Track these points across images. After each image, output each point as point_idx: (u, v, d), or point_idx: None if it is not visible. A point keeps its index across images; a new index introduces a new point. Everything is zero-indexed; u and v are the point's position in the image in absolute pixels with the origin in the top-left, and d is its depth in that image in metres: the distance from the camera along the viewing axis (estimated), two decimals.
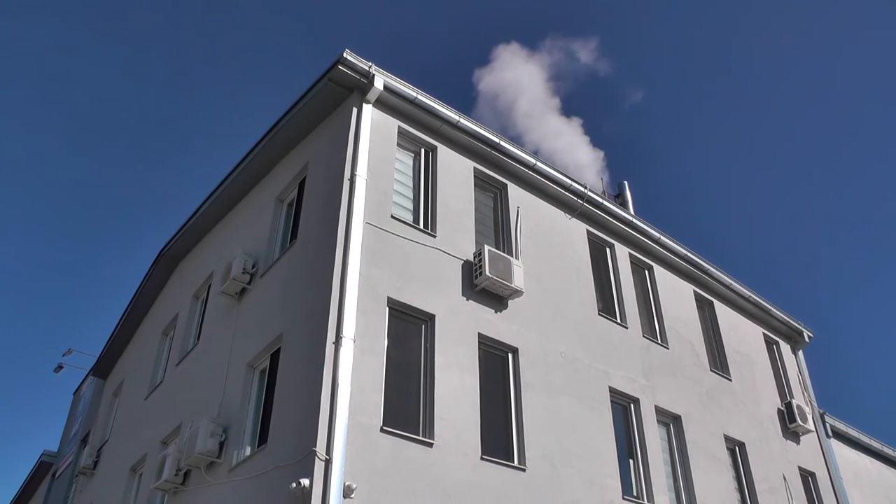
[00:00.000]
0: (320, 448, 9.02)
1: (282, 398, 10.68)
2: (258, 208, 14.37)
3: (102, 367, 22.48)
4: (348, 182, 11.26)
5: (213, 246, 16.27)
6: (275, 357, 11.53)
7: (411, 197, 12.59)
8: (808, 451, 18.18)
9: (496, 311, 12.15)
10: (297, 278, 11.64)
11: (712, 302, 17.88)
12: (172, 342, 16.86)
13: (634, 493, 12.93)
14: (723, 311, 18.04)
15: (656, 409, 14.18)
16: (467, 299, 11.85)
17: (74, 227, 69.71)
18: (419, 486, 9.77)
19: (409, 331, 11.10)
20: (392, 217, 11.69)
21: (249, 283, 13.08)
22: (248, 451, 11.22)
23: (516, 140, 13.93)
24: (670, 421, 14.60)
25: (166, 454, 12.69)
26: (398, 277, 11.13)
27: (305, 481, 8.82)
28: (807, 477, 17.79)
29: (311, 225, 12.00)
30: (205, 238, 17.03)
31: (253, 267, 13.10)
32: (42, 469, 27.59)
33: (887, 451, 22.24)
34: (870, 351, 57.53)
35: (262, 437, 10.97)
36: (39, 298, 69.74)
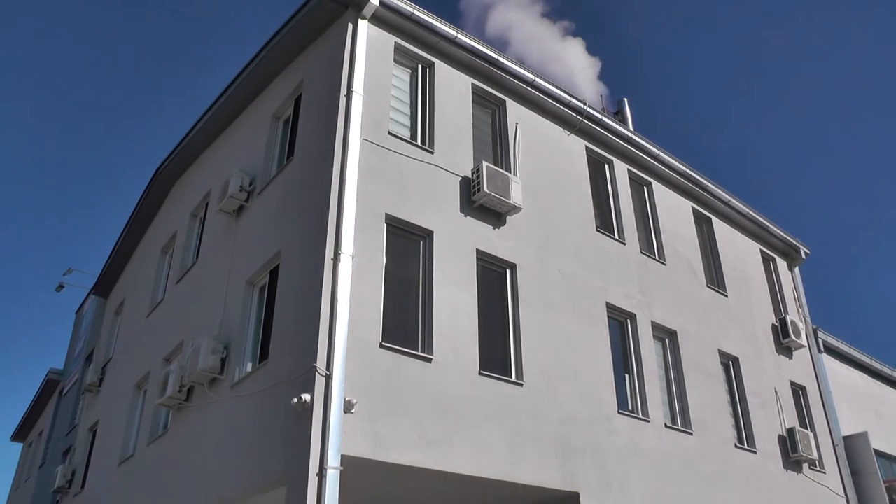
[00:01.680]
0: (320, 364, 9.15)
1: (281, 315, 10.78)
2: (254, 126, 14.22)
3: (103, 287, 22.64)
4: (345, 99, 11.10)
5: (210, 164, 16.17)
6: (274, 274, 11.59)
7: (409, 113, 12.44)
8: (799, 366, 18.48)
9: (494, 228, 12.16)
10: (294, 195, 11.60)
11: (710, 218, 17.88)
12: (172, 260, 16.93)
13: (629, 408, 13.18)
14: (721, 228, 18.06)
15: (652, 325, 14.34)
16: (465, 216, 11.84)
17: (70, 146, 69.22)
18: (418, 400, 9.94)
19: (408, 247, 11.13)
20: (389, 134, 11.57)
21: (247, 200, 13.05)
22: (249, 367, 11.38)
23: (507, 46, 13.63)
24: (666, 336, 14.78)
25: (169, 371, 12.88)
26: (396, 194, 11.09)
27: (306, 396, 8.99)
28: (797, 391, 18.12)
29: (307, 142, 11.90)
30: (201, 156, 16.91)
31: (250, 184, 13.04)
32: (49, 386, 28.13)
33: (876, 365, 22.62)
34: (864, 267, 57.94)
35: (263, 354, 11.12)
36: (38, 219, 69.77)
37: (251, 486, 10.21)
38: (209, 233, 14.79)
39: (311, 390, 9.05)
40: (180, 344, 14.07)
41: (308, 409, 8.96)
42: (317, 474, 8.64)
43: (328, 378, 9.10)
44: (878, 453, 19.67)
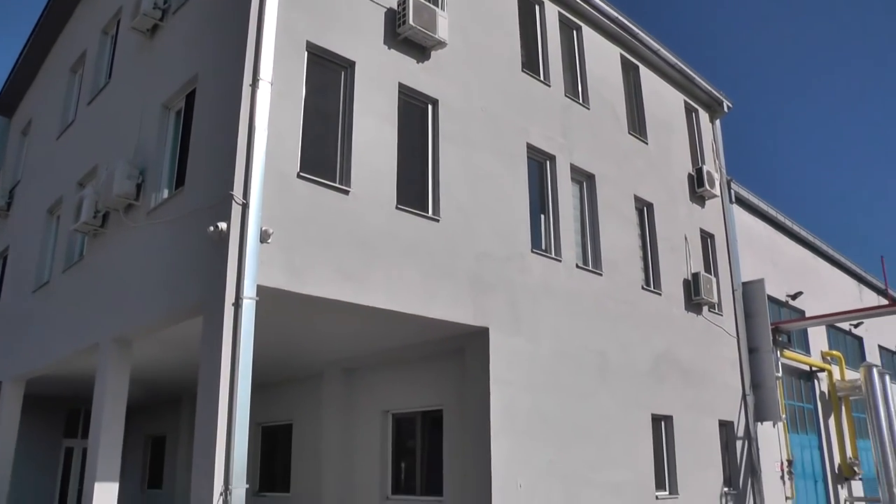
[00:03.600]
0: (237, 192, 9.04)
1: (198, 141, 10.52)
2: None
3: (6, 105, 21.49)
4: None
5: None
6: (190, 98, 11.19)
7: None
8: (710, 215, 19.23)
9: (418, 62, 11.89)
10: (212, 17, 11.04)
11: (637, 66, 17.85)
12: (82, 80, 16.14)
13: (543, 247, 13.57)
14: (647, 76, 18.09)
15: (571, 168, 14.55)
16: (389, 48, 11.50)
17: None
18: (335, 232, 9.99)
19: (328, 77, 10.83)
20: None
21: (161, 19, 12.37)
22: (165, 194, 11.20)
23: None
24: (584, 179, 15.05)
25: (83, 196, 12.57)
26: (318, 21, 10.65)
27: (222, 225, 8.91)
28: (706, 238, 18.95)
29: None
30: None
31: (164, 2, 12.33)
32: None
33: (780, 217, 23.72)
34: (781, 124, 59.47)
35: (180, 180, 10.91)
36: None
37: (168, 315, 10.30)
38: (122, 52, 14.08)
39: (227, 219, 8.96)
40: (94, 168, 13.69)
41: (224, 237, 8.92)
42: (233, 304, 8.71)
43: (245, 207, 9.01)
44: (770, 298, 20.98)
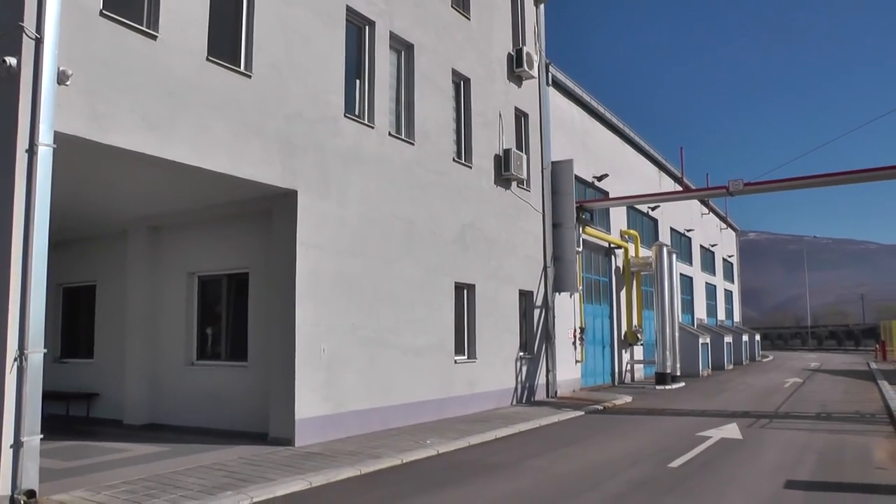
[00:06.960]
0: (29, 24, 8.26)
1: None
2: None
3: None
4: None
5: None
6: None
7: None
8: (526, 95, 19.86)
9: None
10: None
11: None
12: None
13: (356, 113, 13.59)
14: None
15: (391, 35, 14.49)
16: None
17: None
18: (140, 79, 9.50)
19: None
20: None
21: None
22: None
23: None
24: (403, 48, 15.06)
25: None
26: None
27: (12, 60, 8.15)
28: (520, 117, 19.64)
29: None
30: None
31: None
32: None
33: (593, 103, 24.91)
34: (606, 15, 61.12)
35: None
36: None
37: None
38: None
39: (17, 54, 8.20)
40: None
41: (15, 75, 8.17)
42: (26, 151, 8.11)
43: (38, 42, 8.26)
44: (578, 178, 22.27)
